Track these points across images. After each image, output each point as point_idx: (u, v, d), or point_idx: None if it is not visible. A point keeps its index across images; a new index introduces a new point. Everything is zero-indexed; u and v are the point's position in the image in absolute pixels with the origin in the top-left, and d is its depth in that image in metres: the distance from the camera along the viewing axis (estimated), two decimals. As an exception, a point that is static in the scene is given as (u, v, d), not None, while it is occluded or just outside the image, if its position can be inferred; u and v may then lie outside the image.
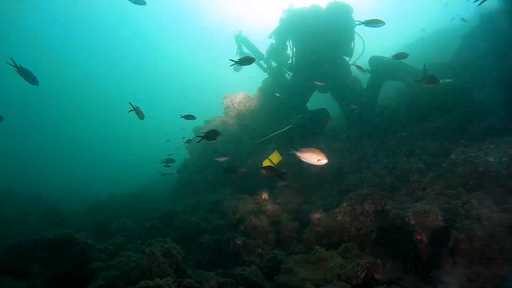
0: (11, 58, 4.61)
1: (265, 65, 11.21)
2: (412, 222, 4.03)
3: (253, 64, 6.04)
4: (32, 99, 42.76)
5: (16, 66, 4.68)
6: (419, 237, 3.92)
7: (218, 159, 7.28)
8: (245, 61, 5.23)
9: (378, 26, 6.04)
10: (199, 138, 4.91)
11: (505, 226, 3.50)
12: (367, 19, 6.07)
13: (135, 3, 5.48)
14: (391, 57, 6.36)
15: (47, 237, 5.08)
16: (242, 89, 10.84)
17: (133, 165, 31.65)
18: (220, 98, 10.92)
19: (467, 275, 3.35)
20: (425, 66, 6.90)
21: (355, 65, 7.44)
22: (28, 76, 4.86)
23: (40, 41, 42.80)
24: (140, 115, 6.32)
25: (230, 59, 5.36)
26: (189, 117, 6.17)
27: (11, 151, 35.16)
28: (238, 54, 11.88)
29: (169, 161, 9.53)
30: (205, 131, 5.07)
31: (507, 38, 7.10)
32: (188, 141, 9.47)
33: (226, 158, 7.17)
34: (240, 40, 11.78)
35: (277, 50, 10.34)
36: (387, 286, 3.41)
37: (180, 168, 11.19)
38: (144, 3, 5.48)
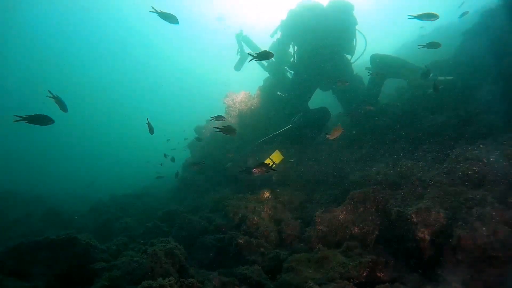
0: (49, 91, 4.87)
1: (265, 64, 11.21)
2: (414, 220, 4.03)
3: (251, 64, 6.10)
4: (33, 99, 42.92)
5: (54, 97, 4.94)
6: (421, 235, 3.92)
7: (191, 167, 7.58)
8: (263, 55, 5.28)
9: (431, 20, 5.96)
10: (200, 140, 5.01)
11: (508, 224, 3.50)
12: (420, 13, 5.94)
13: (169, 22, 5.53)
14: (425, 45, 6.29)
15: (50, 238, 5.09)
16: (243, 88, 10.84)
17: (134, 165, 31.68)
18: (221, 97, 10.92)
19: (470, 273, 3.35)
20: (426, 69, 6.86)
21: (369, 73, 7.44)
22: (63, 105, 5.14)
23: (43, 42, 42.84)
24: (151, 130, 6.75)
25: (249, 53, 5.45)
26: (219, 117, 6.34)
27: (12, 152, 35.24)
28: (238, 53, 11.87)
29: (171, 159, 9.60)
30: (220, 126, 5.19)
31: (508, 35, 7.08)
32: (198, 139, 9.55)
33: (197, 167, 7.51)
34: (241, 39, 11.76)
35: (278, 49, 10.33)
36: (390, 285, 3.41)
37: (177, 172, 11.12)
38: (177, 23, 5.53)
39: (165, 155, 9.60)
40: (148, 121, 6.80)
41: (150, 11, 5.27)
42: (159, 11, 5.33)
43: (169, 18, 5.49)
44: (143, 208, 10.93)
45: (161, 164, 10.09)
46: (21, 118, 4.09)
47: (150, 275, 3.90)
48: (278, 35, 10.39)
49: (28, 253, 4.98)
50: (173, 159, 9.53)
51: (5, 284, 4.23)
